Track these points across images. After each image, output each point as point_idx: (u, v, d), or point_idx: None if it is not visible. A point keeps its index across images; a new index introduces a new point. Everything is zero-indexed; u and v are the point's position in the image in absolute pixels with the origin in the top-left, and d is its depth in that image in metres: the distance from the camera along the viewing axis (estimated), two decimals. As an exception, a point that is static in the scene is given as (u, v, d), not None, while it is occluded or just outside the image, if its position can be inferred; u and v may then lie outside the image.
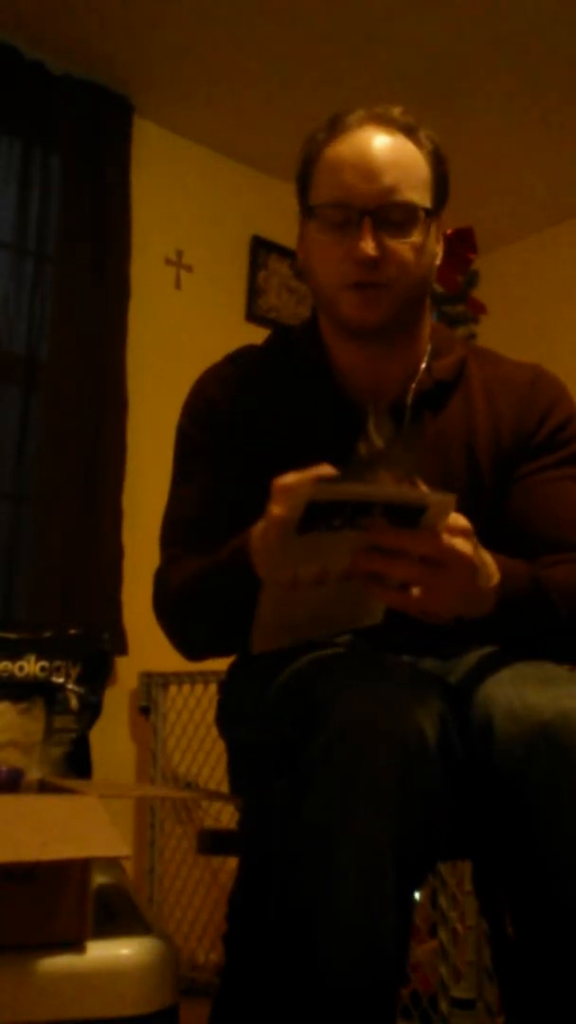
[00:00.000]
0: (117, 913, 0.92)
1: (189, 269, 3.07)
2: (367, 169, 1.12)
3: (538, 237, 3.44)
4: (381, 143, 1.14)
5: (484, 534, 1.01)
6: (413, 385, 1.20)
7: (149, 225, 2.92)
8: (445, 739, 0.95)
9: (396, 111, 1.16)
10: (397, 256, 1.12)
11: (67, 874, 0.77)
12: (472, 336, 2.67)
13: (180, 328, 2.98)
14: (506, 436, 1.20)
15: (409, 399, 1.20)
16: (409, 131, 1.15)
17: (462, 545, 0.91)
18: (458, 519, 0.92)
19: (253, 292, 3.20)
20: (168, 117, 3.01)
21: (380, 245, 1.11)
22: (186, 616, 1.18)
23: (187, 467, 1.25)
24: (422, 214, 1.13)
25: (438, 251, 1.19)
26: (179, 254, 3.06)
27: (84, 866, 0.78)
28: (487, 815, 0.98)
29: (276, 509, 0.92)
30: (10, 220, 2.66)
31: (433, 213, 1.16)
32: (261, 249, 3.22)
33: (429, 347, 1.23)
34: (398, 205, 1.12)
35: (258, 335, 1.35)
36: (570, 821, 0.92)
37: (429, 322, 1.24)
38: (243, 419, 1.21)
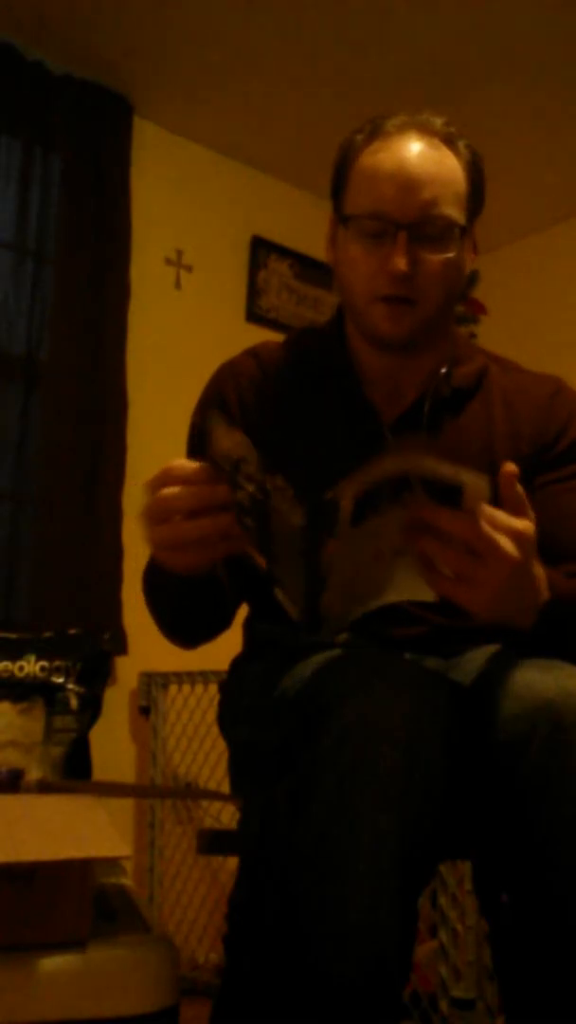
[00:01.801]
0: (117, 913, 0.92)
1: (189, 269, 3.07)
2: (406, 181, 1.11)
3: (538, 237, 3.44)
4: (421, 154, 1.12)
5: None
6: (429, 393, 1.20)
7: (149, 225, 2.92)
8: (449, 739, 0.95)
9: (438, 121, 1.15)
10: (430, 271, 1.12)
11: (67, 874, 0.77)
12: (472, 336, 2.67)
13: (180, 328, 2.98)
14: (526, 444, 1.20)
15: (427, 406, 1.20)
16: (449, 141, 1.14)
17: (506, 543, 0.90)
18: (513, 522, 0.91)
19: (253, 292, 3.20)
20: (168, 117, 3.01)
21: (413, 260, 1.10)
22: (149, 607, 1.19)
23: (192, 459, 1.26)
24: (458, 231, 1.13)
25: (470, 262, 1.19)
26: (179, 254, 3.06)
27: (84, 866, 0.78)
28: (488, 811, 0.98)
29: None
30: (10, 220, 2.66)
31: (468, 227, 1.15)
32: (261, 249, 3.22)
33: (450, 354, 1.23)
34: (435, 220, 1.11)
35: (258, 335, 1.35)
36: (568, 800, 0.92)
37: (451, 330, 1.25)
38: (255, 417, 1.21)
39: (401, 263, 1.09)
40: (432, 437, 1.19)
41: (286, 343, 1.28)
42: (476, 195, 1.17)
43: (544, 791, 0.93)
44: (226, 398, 1.23)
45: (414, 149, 1.12)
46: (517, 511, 0.92)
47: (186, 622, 1.19)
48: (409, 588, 0.97)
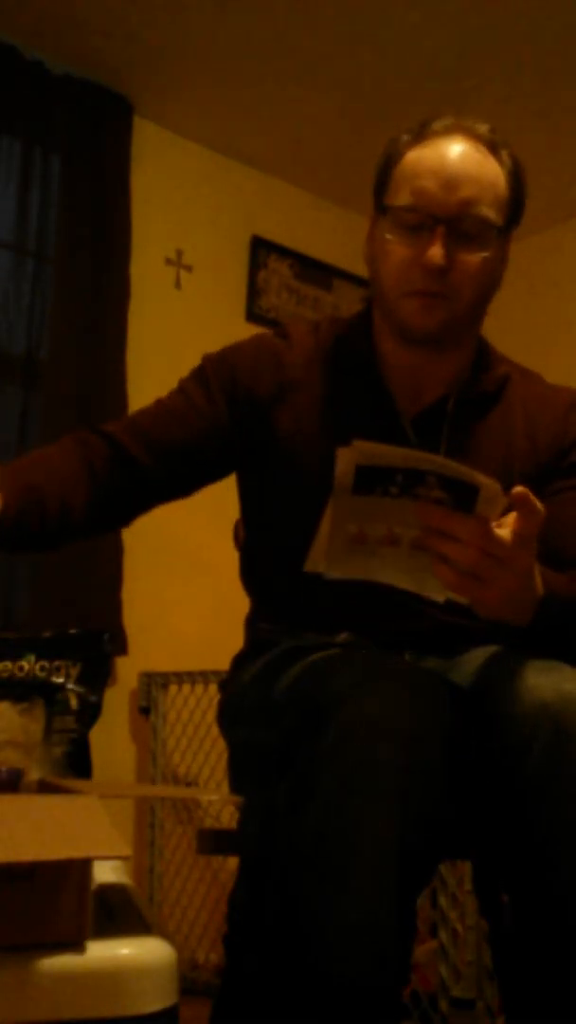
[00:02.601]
0: (117, 913, 0.92)
1: (189, 269, 3.07)
2: (448, 178, 1.12)
3: (538, 237, 3.44)
4: (465, 154, 1.14)
5: None
6: (454, 393, 1.22)
7: (149, 225, 2.92)
8: (450, 739, 0.96)
9: (483, 127, 1.16)
10: (465, 269, 1.13)
11: (67, 874, 0.77)
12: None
13: (180, 328, 2.98)
14: (543, 448, 1.21)
15: (450, 405, 1.21)
16: (493, 148, 1.16)
17: (519, 548, 0.91)
18: (527, 529, 0.92)
19: (253, 292, 3.20)
20: (168, 117, 3.01)
21: (449, 255, 1.11)
22: None
23: (175, 390, 1.28)
24: (495, 232, 1.14)
25: (503, 271, 1.20)
26: (179, 254, 3.06)
27: (84, 866, 0.78)
28: (488, 811, 0.98)
29: None
30: (10, 220, 2.66)
31: (504, 232, 1.16)
32: (261, 249, 3.22)
33: (475, 358, 1.24)
34: (473, 218, 1.12)
35: (258, 335, 1.36)
36: (568, 802, 0.92)
37: (479, 334, 1.26)
38: (269, 397, 1.22)
39: (438, 256, 1.10)
40: (453, 437, 1.20)
41: (313, 329, 1.29)
42: (516, 204, 1.18)
43: (544, 793, 0.93)
44: (237, 371, 1.24)
45: (458, 148, 1.14)
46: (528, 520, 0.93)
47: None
48: (421, 582, 0.97)
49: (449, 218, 1.11)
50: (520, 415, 1.23)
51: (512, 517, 0.92)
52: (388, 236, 1.15)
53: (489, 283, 1.17)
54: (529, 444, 1.22)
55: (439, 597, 0.97)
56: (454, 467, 0.88)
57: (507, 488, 1.19)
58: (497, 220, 1.14)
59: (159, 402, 1.27)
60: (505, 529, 0.91)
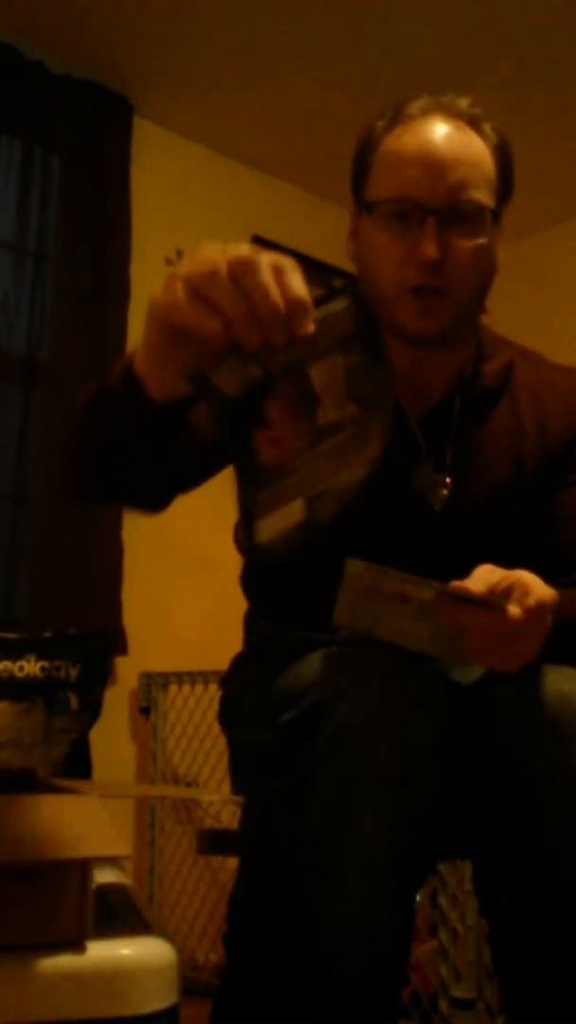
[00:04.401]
0: (117, 913, 0.92)
1: (189, 269, 3.06)
2: (433, 164, 1.05)
3: (538, 237, 3.44)
4: (448, 136, 1.06)
5: (523, 538, 1.01)
6: (459, 392, 1.18)
7: (149, 225, 2.92)
8: (446, 738, 0.96)
9: (463, 102, 1.09)
10: (461, 259, 1.06)
11: (67, 874, 0.77)
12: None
13: (180, 328, 2.98)
14: (555, 440, 1.16)
15: (457, 404, 1.16)
16: (475, 123, 1.09)
17: (536, 629, 0.92)
18: (538, 613, 0.92)
19: (253, 292, 3.20)
20: (168, 117, 3.01)
21: (443, 247, 1.05)
22: (78, 442, 1.03)
23: None
24: (489, 215, 1.08)
25: (499, 253, 1.13)
26: (179, 254, 3.05)
27: (84, 866, 0.78)
28: (488, 811, 0.98)
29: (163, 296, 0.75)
30: (10, 220, 2.66)
31: (497, 213, 1.10)
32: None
33: (476, 350, 1.19)
34: (465, 204, 1.06)
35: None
36: (568, 801, 0.92)
37: (479, 326, 1.21)
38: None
39: (431, 250, 1.04)
40: (460, 438, 1.17)
41: None
42: (505, 179, 1.12)
43: (544, 792, 0.93)
44: None
45: (440, 131, 1.07)
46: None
47: (120, 455, 0.97)
48: (431, 644, 0.97)
49: (439, 208, 1.05)
50: (527, 404, 1.18)
51: (526, 590, 0.92)
52: (376, 232, 1.08)
53: (488, 269, 1.11)
54: (539, 435, 1.17)
55: (457, 658, 0.99)
56: (460, 591, 0.90)
57: (520, 480, 1.16)
58: (489, 202, 1.08)
59: None
60: (515, 607, 0.91)
